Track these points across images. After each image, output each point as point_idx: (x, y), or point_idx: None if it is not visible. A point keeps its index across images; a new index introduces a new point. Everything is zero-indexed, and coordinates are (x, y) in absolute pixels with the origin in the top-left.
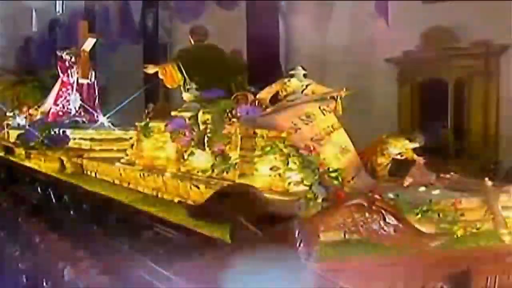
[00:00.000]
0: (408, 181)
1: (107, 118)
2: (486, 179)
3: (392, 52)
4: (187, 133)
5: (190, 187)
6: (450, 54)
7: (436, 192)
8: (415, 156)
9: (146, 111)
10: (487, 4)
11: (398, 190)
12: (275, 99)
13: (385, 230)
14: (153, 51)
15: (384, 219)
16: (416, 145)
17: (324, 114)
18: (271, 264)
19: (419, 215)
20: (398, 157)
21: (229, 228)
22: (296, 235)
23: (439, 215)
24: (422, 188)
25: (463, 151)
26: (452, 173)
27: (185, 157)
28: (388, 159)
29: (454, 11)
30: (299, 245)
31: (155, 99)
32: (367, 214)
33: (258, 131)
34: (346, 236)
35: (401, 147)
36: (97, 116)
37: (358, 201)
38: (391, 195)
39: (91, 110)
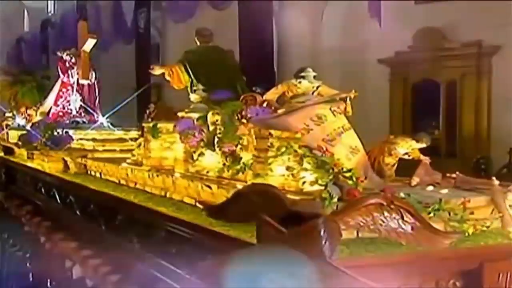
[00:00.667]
0: (415, 180)
1: (107, 118)
2: (494, 178)
3: (384, 53)
4: (196, 134)
5: (202, 187)
6: (442, 54)
7: (445, 191)
8: (421, 156)
9: (148, 111)
10: (479, 5)
11: (406, 189)
12: (280, 100)
13: (403, 229)
14: (145, 51)
15: (402, 218)
16: (423, 145)
17: (334, 115)
18: (294, 263)
19: (431, 214)
20: (406, 157)
21: (255, 227)
22: (322, 233)
23: (449, 213)
24: (430, 188)
25: (455, 151)
26: (457, 173)
27: (195, 157)
28: (395, 159)
29: (446, 12)
30: (325, 242)
31: (148, 99)
32: (385, 213)
33: (273, 132)
34: (359, 234)
35: (408, 147)
36: (97, 117)
37: (378, 200)
38: (402, 194)
39: (91, 110)
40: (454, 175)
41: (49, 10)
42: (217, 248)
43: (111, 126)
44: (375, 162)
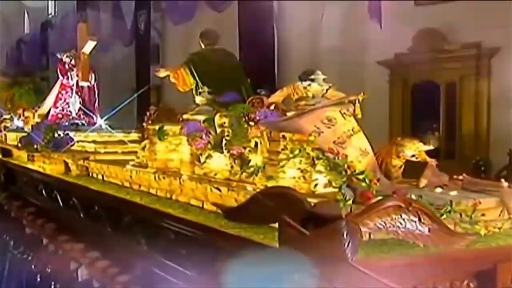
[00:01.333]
0: (423, 182)
1: (105, 120)
2: (502, 180)
3: (383, 55)
4: (203, 136)
5: (211, 190)
6: (441, 56)
7: (454, 193)
8: (427, 158)
9: (148, 113)
10: (478, 7)
11: (415, 191)
12: (285, 102)
13: (420, 230)
14: (144, 53)
15: (420, 220)
16: (430, 147)
17: (344, 118)
18: (316, 264)
19: (444, 216)
20: (413, 159)
21: (278, 229)
22: (345, 235)
23: (460, 215)
24: (439, 190)
25: (454, 152)
26: (464, 175)
27: (202, 160)
28: (403, 161)
29: (445, 13)
30: (348, 244)
31: (147, 101)
32: (403, 215)
33: (286, 134)
34: (372, 236)
35: (415, 149)
36: (96, 119)
37: (396, 202)
38: (413, 197)
39: (90, 113)
40: (461, 177)
41: (49, 11)
42: (229, 250)
43: (109, 128)
44: (382, 164)
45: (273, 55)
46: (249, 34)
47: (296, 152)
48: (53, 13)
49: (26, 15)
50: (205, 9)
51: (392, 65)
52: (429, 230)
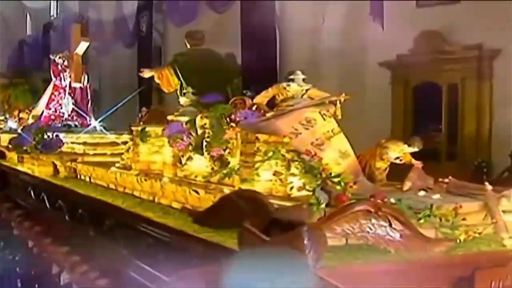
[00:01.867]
0: (407, 185)
1: (99, 122)
2: (487, 183)
3: (385, 56)
4: (184, 138)
5: (189, 192)
6: (443, 57)
7: (437, 196)
8: (413, 161)
9: (140, 114)
10: (480, 8)
11: (398, 194)
12: (271, 103)
13: (391, 236)
14: (147, 54)
15: (391, 225)
16: (415, 149)
17: (324, 119)
18: (277, 271)
19: (422, 220)
20: (397, 161)
21: (237, 234)
22: (306, 242)
23: (440, 219)
24: (422, 193)
25: (456, 154)
26: (450, 177)
27: (183, 162)
28: (387, 163)
29: (447, 15)
30: (309, 251)
31: (149, 103)
32: (373, 220)
33: (260, 136)
34: (349, 241)
35: (399, 152)
36: (89, 120)
37: (365, 207)
38: (392, 200)
39: (83, 114)
40: (447, 180)
41: (51, 13)
42: (201, 255)
43: (103, 130)
44: (366, 166)
45: (275, 56)
46: (251, 35)
47: (270, 154)
48: (55, 15)
49: (28, 16)
50: (206, 11)
51: (393, 67)
52: (401, 236)
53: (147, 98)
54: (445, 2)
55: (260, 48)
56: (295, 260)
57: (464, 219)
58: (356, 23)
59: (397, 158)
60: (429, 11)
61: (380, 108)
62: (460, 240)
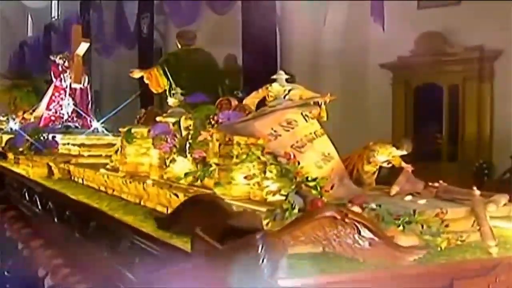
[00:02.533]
0: (395, 189)
1: (101, 123)
2: (474, 188)
3: (386, 57)
4: (169, 139)
5: (170, 195)
6: (444, 59)
7: (422, 201)
8: (403, 164)
9: (138, 116)
10: (481, 10)
11: (384, 199)
12: (262, 105)
13: (359, 244)
14: (148, 56)
15: (359, 232)
16: (404, 152)
17: (306, 121)
18: (231, 280)
19: (402, 227)
20: (385, 165)
21: (190, 241)
22: (259, 250)
23: (422, 226)
24: (409, 197)
25: (457, 155)
26: (440, 182)
27: (167, 163)
28: (375, 167)
29: (448, 16)
30: (263, 260)
31: (150, 104)
32: (340, 227)
33: (235, 138)
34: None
35: (388, 155)
36: (90, 122)
37: (330, 214)
38: (373, 205)
39: (84, 115)
40: (437, 184)
41: (53, 15)
42: (169, 260)
43: (105, 131)
44: (354, 170)
45: (276, 57)
46: (252, 36)
47: (243, 157)
48: (56, 16)
49: (29, 17)
50: (207, 12)
51: (394, 68)
52: (369, 244)
53: (149, 100)
54: (446, 3)
55: (261, 49)
56: (251, 270)
57: (447, 225)
58: (357, 24)
59: (386, 161)
60: (430, 12)
61: (381, 109)
62: (441, 248)
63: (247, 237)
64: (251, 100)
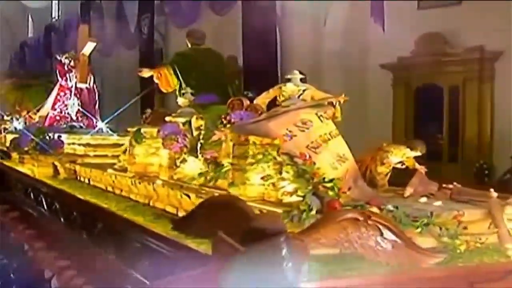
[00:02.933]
0: (408, 191)
1: (106, 124)
2: (491, 190)
3: (387, 58)
4: (179, 140)
5: (181, 196)
6: (444, 59)
7: (438, 203)
8: (416, 165)
9: (144, 116)
10: (481, 10)
11: (398, 200)
12: (273, 105)
13: (382, 247)
14: (148, 57)
15: (382, 234)
16: (418, 153)
17: (321, 121)
18: (255, 283)
19: (420, 229)
20: (399, 166)
21: (211, 244)
22: (283, 253)
23: (440, 228)
24: (423, 199)
25: (457, 156)
26: (454, 183)
27: (178, 164)
28: (389, 168)
29: (448, 17)
30: (287, 264)
31: (151, 104)
32: (362, 229)
33: (251, 138)
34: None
35: (401, 156)
36: (95, 122)
37: (353, 216)
38: (390, 207)
39: (89, 115)
40: (451, 186)
41: (53, 15)
42: (184, 262)
43: (110, 132)
44: (367, 171)
45: (276, 58)
46: (253, 37)
47: (259, 157)
48: (56, 17)
49: (30, 18)
50: (207, 13)
51: (395, 68)
52: (392, 247)
53: (149, 100)
54: (446, 3)
55: (261, 50)
56: (274, 273)
57: (465, 228)
58: (357, 25)
59: (399, 162)
60: (430, 13)
61: (381, 110)
62: (460, 251)
63: (271, 240)
64: (262, 100)
